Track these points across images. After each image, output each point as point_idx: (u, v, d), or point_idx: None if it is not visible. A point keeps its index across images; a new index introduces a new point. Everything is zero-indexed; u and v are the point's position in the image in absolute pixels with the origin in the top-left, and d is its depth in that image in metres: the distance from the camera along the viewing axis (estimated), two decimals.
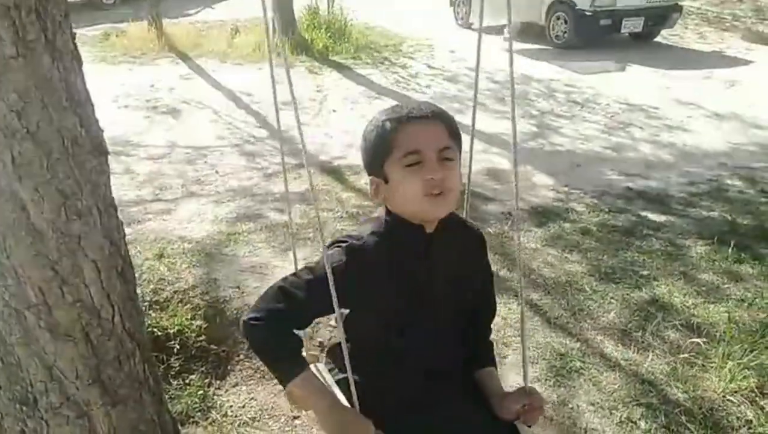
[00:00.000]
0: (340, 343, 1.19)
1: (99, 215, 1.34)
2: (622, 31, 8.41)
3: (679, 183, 4.30)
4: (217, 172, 4.37)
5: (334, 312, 1.11)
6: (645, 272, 3.04)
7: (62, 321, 1.33)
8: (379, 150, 1.13)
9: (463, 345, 1.32)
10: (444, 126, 1.13)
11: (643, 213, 3.78)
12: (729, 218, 3.67)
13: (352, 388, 1.14)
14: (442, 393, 1.23)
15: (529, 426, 1.24)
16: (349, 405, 1.16)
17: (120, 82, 6.39)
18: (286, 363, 1.14)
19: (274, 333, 1.14)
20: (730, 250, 3.18)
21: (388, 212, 1.19)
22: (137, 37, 8.14)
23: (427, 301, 1.21)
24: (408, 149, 1.09)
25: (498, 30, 9.54)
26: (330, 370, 1.37)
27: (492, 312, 1.42)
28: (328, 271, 1.07)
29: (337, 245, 1.18)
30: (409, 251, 1.18)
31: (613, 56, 7.98)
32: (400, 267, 1.18)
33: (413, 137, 1.10)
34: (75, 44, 1.28)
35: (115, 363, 1.45)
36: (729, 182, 4.32)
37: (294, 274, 1.22)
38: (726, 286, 2.92)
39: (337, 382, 1.30)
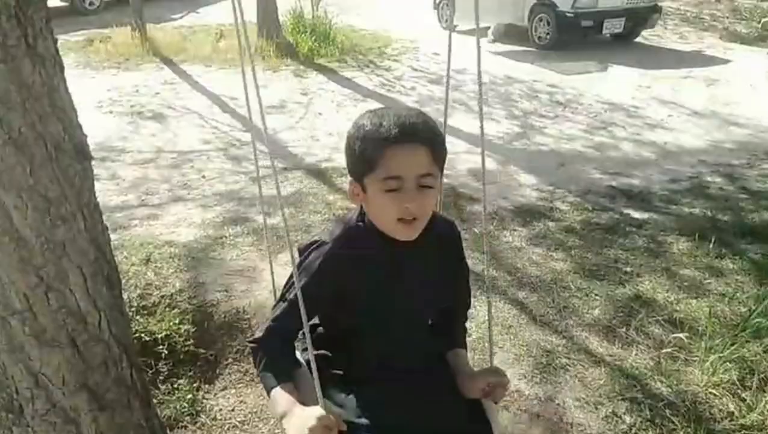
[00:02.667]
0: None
1: (84, 220, 1.34)
2: (604, 32, 8.51)
3: (660, 181, 4.37)
4: (203, 176, 4.36)
5: (317, 312, 1.26)
6: (628, 269, 3.09)
7: (48, 327, 1.33)
8: (361, 165, 1.13)
9: (436, 337, 1.39)
10: (428, 150, 1.10)
11: (626, 211, 3.83)
12: (710, 214, 3.73)
13: (315, 374, 1.14)
14: (414, 391, 1.25)
15: (496, 403, 1.32)
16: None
17: (104, 88, 6.34)
18: (267, 381, 1.24)
19: (265, 356, 1.27)
20: (711, 246, 3.24)
21: (362, 214, 1.23)
22: (121, 42, 8.09)
23: (399, 306, 1.24)
24: (389, 174, 1.10)
25: (481, 32, 9.62)
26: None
27: (467, 304, 1.48)
28: (296, 278, 1.13)
29: (311, 250, 1.23)
30: (380, 260, 1.22)
31: (595, 57, 8.08)
32: (371, 275, 1.21)
33: (396, 162, 1.09)
34: (57, 49, 1.28)
35: (102, 369, 1.45)
36: (709, 179, 4.39)
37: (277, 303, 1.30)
38: (708, 281, 2.97)
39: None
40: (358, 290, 1.21)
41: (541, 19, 8.64)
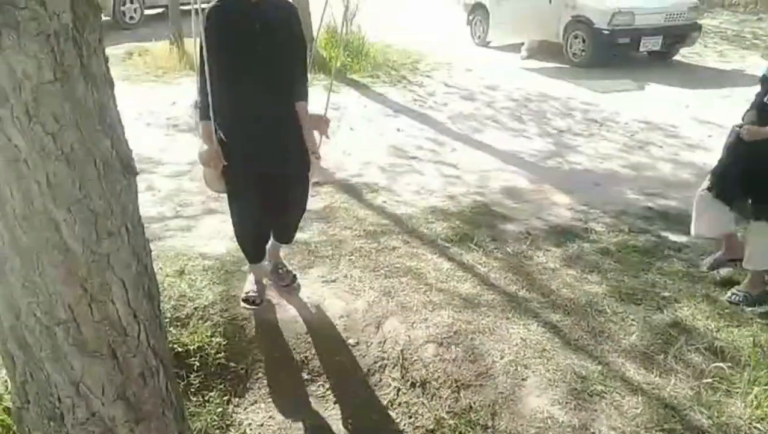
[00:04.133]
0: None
1: (128, 234, 1.37)
2: (641, 49, 8.39)
3: None
4: None
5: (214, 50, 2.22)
6: (667, 294, 3.01)
7: (90, 338, 1.35)
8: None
9: (286, 92, 2.44)
10: None
11: (664, 233, 3.74)
12: None
13: (211, 113, 2.26)
14: (270, 123, 2.40)
15: (327, 136, 2.53)
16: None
17: (142, 100, 6.51)
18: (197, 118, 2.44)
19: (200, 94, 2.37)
20: None
21: None
22: (159, 55, 8.30)
23: (255, 50, 2.28)
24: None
25: (515, 48, 9.60)
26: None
27: (304, 62, 2.49)
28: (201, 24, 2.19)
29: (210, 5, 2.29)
30: (244, 14, 2.28)
31: (632, 75, 7.97)
32: (236, 22, 2.26)
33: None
34: (108, 68, 1.32)
35: (139, 380, 1.47)
36: None
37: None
38: (750, 309, 2.87)
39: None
40: (229, 28, 2.23)
41: (576, 36, 8.57)
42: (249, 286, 2.86)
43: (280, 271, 3.00)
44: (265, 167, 2.47)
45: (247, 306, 2.78)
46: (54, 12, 1.13)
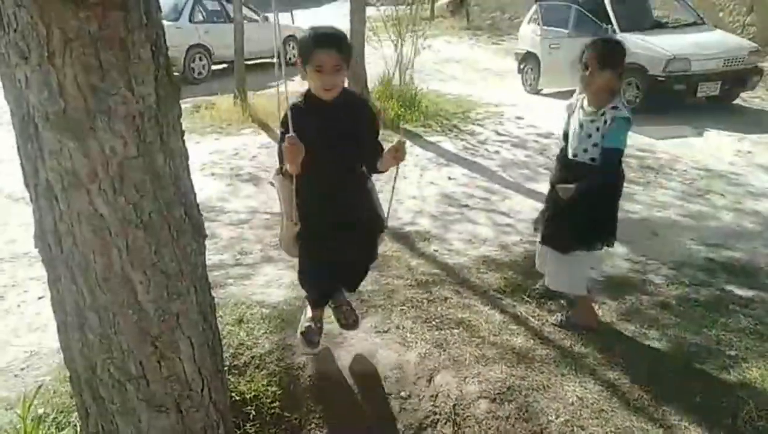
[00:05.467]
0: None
1: (195, 294, 1.47)
2: (698, 95, 8.22)
3: (766, 254, 4.08)
4: None
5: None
6: (733, 353, 2.87)
7: (157, 393, 1.44)
8: (304, 57, 2.27)
9: (358, 166, 2.63)
10: (337, 51, 2.22)
11: (728, 287, 3.59)
12: None
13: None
14: (341, 197, 2.54)
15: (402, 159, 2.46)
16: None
17: (207, 151, 6.86)
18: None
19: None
20: None
21: (309, 88, 2.38)
22: (224, 108, 8.77)
23: (327, 135, 2.34)
24: (317, 64, 2.22)
25: (567, 96, 9.59)
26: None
27: (376, 141, 2.55)
28: (290, 120, 2.20)
29: (291, 107, 2.28)
30: (318, 111, 2.35)
31: (689, 121, 7.79)
32: (313, 119, 2.32)
33: (319, 57, 2.21)
34: (184, 141, 1.45)
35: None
36: None
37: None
38: None
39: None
40: (307, 127, 2.23)
41: (629, 83, 8.50)
42: (307, 322, 2.92)
43: (345, 309, 3.03)
44: (338, 217, 2.56)
45: (306, 346, 2.86)
46: (141, 95, 1.26)
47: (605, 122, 2.77)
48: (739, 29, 12.26)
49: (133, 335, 1.37)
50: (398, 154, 2.39)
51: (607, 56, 2.74)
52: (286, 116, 2.25)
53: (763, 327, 3.11)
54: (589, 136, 2.84)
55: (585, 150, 2.87)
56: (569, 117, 3.04)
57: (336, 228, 2.55)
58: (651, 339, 3.03)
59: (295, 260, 2.85)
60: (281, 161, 2.45)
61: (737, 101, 8.78)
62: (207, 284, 1.54)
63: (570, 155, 2.96)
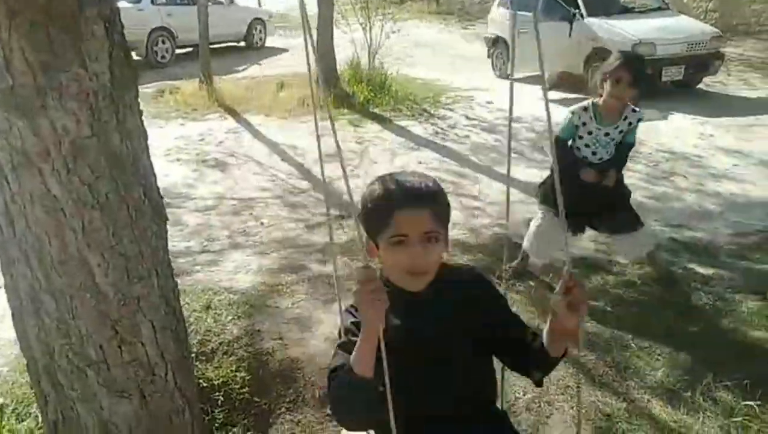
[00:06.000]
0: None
1: (157, 277, 1.44)
2: (663, 79, 8.36)
3: (726, 234, 4.19)
4: (261, 223, 4.51)
5: None
6: (693, 329, 2.96)
7: (119, 378, 1.41)
8: (373, 225, 1.26)
9: (485, 380, 1.42)
10: (430, 212, 1.22)
11: (690, 265, 3.69)
12: None
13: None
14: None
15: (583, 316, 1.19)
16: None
17: (172, 137, 6.72)
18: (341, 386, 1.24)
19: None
20: None
21: (381, 273, 1.32)
22: (189, 93, 8.59)
23: (420, 347, 1.28)
24: (397, 232, 1.21)
25: (536, 80, 9.67)
26: None
27: (522, 326, 1.41)
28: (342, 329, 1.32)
29: (351, 307, 1.34)
30: (402, 313, 1.27)
31: (654, 105, 7.93)
32: (391, 323, 1.19)
33: (402, 222, 1.21)
34: (142, 121, 1.40)
35: (166, 420, 1.51)
36: None
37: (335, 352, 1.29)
38: None
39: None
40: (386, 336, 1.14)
41: (597, 68, 8.59)
42: None
43: None
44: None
45: None
46: (94, 73, 1.22)
47: (630, 124, 3.12)
48: (702, 15, 12.52)
49: (92, 319, 1.34)
50: (575, 299, 1.15)
51: (639, 76, 2.98)
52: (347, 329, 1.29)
53: (723, 303, 3.20)
54: (613, 140, 3.17)
55: (608, 152, 3.21)
56: (578, 126, 3.19)
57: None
58: (616, 317, 3.10)
59: (263, 247, 2.77)
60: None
61: (700, 86, 8.97)
62: (169, 269, 1.51)
63: (595, 161, 3.23)
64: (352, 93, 8.43)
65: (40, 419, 2.12)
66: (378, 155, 6.23)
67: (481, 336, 1.35)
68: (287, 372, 2.75)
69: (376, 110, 8.04)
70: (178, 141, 6.62)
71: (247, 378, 2.68)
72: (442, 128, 7.36)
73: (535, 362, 1.34)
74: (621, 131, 3.14)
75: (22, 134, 1.17)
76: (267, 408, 2.60)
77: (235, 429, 2.47)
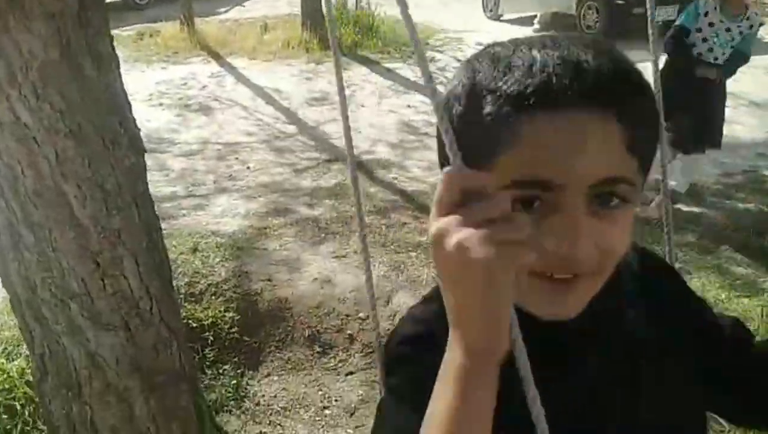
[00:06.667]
0: None
1: (137, 210, 1.41)
2: (656, 19, 8.20)
3: (713, 174, 4.21)
4: (248, 167, 4.46)
5: None
6: (678, 266, 2.99)
7: (103, 311, 1.40)
8: (472, 151, 0.46)
9: None
10: (619, 126, 0.48)
11: (676, 205, 3.70)
12: (766, 210, 3.58)
13: None
14: None
15: None
16: None
17: (154, 81, 6.53)
18: None
19: None
20: (766, 243, 3.11)
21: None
22: (170, 36, 8.29)
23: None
24: (523, 175, 0.48)
25: (527, 21, 9.44)
26: None
27: (743, 332, 0.72)
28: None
29: (399, 342, 0.63)
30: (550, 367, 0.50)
31: (647, 45, 7.81)
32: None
33: (541, 149, 0.48)
34: (113, 47, 1.34)
35: (152, 352, 1.51)
36: (766, 173, 4.20)
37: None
38: (762, 279, 2.86)
39: None
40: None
41: (590, 7, 8.40)
42: None
43: None
44: None
45: None
46: None
47: (751, 26, 3.03)
48: None
49: (72, 251, 1.31)
50: None
51: None
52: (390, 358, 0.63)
53: (706, 240, 3.24)
54: (732, 40, 3.07)
55: (723, 53, 3.11)
56: (699, 16, 3.12)
57: None
58: None
59: (250, 191, 2.72)
60: None
61: None
62: (150, 202, 1.48)
63: (710, 59, 3.15)
64: (339, 35, 8.20)
65: (30, 359, 2.14)
66: (365, 99, 6.11)
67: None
68: (276, 311, 2.77)
69: (364, 53, 7.84)
70: (160, 85, 6.44)
71: (236, 318, 2.70)
72: (431, 71, 7.18)
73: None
74: (741, 31, 3.05)
75: None
76: (257, 346, 2.64)
77: (226, 367, 2.51)
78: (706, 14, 3.13)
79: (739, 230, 3.32)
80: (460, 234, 0.39)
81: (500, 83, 0.49)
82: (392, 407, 0.59)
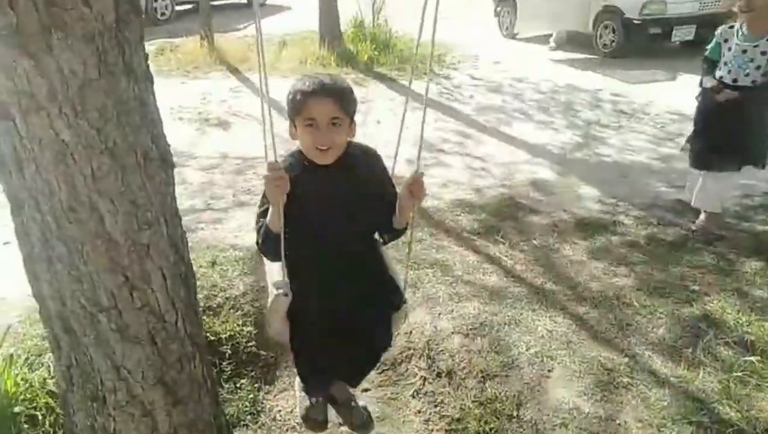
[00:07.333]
0: None
1: (165, 224, 1.43)
2: (673, 39, 8.20)
3: (732, 196, 4.17)
4: None
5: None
6: (696, 288, 2.97)
7: (131, 324, 1.42)
8: (292, 111, 1.60)
9: (367, 241, 1.84)
10: (333, 100, 1.55)
11: (694, 227, 3.69)
12: None
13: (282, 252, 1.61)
14: (344, 273, 1.72)
15: (421, 199, 1.66)
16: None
17: (174, 95, 6.63)
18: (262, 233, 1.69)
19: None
20: None
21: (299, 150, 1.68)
22: (190, 51, 8.44)
23: (330, 215, 1.66)
24: (307, 117, 1.56)
25: (543, 40, 9.49)
26: None
27: (395, 199, 1.71)
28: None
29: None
30: (312, 179, 1.63)
31: (663, 65, 7.81)
32: (305, 189, 1.60)
33: (311, 108, 1.55)
34: (148, 65, 1.38)
35: (177, 365, 1.53)
36: None
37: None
38: None
39: None
40: (295, 197, 1.56)
41: (606, 26, 8.43)
42: (304, 402, 2.02)
43: (353, 405, 2.07)
44: (340, 313, 1.77)
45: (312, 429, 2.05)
46: (99, 13, 1.19)
47: None
48: None
49: (103, 265, 1.34)
50: (415, 189, 1.61)
51: None
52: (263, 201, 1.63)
53: (725, 262, 3.22)
54: (752, 60, 3.17)
55: (747, 74, 3.20)
56: (721, 44, 3.32)
57: (337, 321, 1.76)
58: (619, 276, 3.11)
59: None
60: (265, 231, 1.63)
61: None
62: (177, 217, 1.50)
63: (729, 81, 3.27)
64: (356, 52, 8.29)
65: (52, 369, 2.16)
66: (382, 115, 6.16)
67: (371, 207, 1.71)
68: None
69: (380, 69, 7.92)
70: (180, 100, 6.54)
71: (254, 332, 2.72)
72: (447, 88, 7.26)
73: (387, 229, 1.78)
74: (763, 51, 3.14)
75: (28, 74, 1.15)
76: (273, 361, 2.65)
77: (243, 381, 2.52)
78: (725, 41, 3.32)
79: (758, 252, 3.29)
80: (266, 178, 1.52)
81: (300, 87, 1.57)
82: (260, 213, 1.66)
